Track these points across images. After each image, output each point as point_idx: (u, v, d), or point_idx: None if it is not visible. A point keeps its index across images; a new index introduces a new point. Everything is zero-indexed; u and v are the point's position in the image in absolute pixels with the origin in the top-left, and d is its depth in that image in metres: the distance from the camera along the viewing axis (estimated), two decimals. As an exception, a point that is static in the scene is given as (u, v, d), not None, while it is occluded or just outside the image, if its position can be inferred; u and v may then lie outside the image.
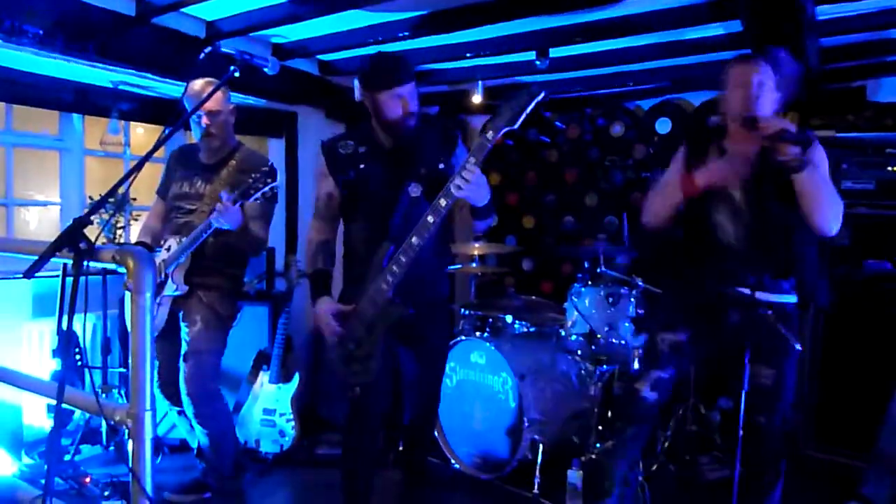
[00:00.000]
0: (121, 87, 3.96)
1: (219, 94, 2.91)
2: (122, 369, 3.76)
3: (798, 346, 2.35)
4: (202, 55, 1.90)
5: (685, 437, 3.52)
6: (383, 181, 2.35)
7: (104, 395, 3.51)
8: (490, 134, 2.12)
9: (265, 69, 2.10)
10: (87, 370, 3.59)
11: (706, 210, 2.45)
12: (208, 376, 2.95)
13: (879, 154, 3.88)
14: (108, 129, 3.96)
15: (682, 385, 3.38)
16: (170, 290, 2.91)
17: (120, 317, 3.84)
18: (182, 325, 2.95)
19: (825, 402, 3.65)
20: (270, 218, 3.00)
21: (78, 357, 3.45)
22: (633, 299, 3.45)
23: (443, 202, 2.17)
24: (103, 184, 4.25)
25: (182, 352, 2.93)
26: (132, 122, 4.42)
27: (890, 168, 3.68)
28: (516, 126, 2.11)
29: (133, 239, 3.50)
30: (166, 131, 4.69)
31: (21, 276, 3.73)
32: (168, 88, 4.03)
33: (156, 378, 2.93)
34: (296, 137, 4.81)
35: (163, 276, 2.87)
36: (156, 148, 1.69)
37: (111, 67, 3.42)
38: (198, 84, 2.86)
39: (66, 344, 2.67)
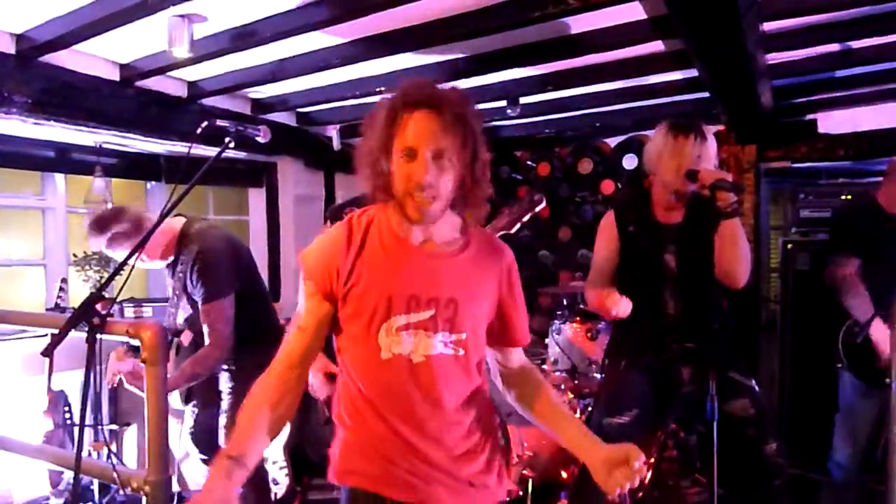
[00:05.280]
0: (103, 145, 4.03)
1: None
2: (113, 426, 3.78)
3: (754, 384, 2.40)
4: (199, 130, 1.99)
5: (667, 462, 3.62)
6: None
7: (95, 453, 3.53)
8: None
9: (258, 138, 2.21)
10: (77, 429, 3.59)
11: (651, 288, 2.45)
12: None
13: (833, 183, 4.12)
14: (94, 188, 4.00)
15: (661, 410, 3.46)
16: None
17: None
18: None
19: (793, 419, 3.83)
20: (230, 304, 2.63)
21: (68, 416, 3.47)
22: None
23: None
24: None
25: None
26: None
27: (843, 197, 3.90)
28: (512, 231, 2.21)
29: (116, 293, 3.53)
30: (148, 186, 4.78)
31: (9, 339, 3.72)
32: (149, 145, 4.12)
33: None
34: (276, 186, 4.91)
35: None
36: (169, 211, 1.76)
37: (96, 130, 3.51)
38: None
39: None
